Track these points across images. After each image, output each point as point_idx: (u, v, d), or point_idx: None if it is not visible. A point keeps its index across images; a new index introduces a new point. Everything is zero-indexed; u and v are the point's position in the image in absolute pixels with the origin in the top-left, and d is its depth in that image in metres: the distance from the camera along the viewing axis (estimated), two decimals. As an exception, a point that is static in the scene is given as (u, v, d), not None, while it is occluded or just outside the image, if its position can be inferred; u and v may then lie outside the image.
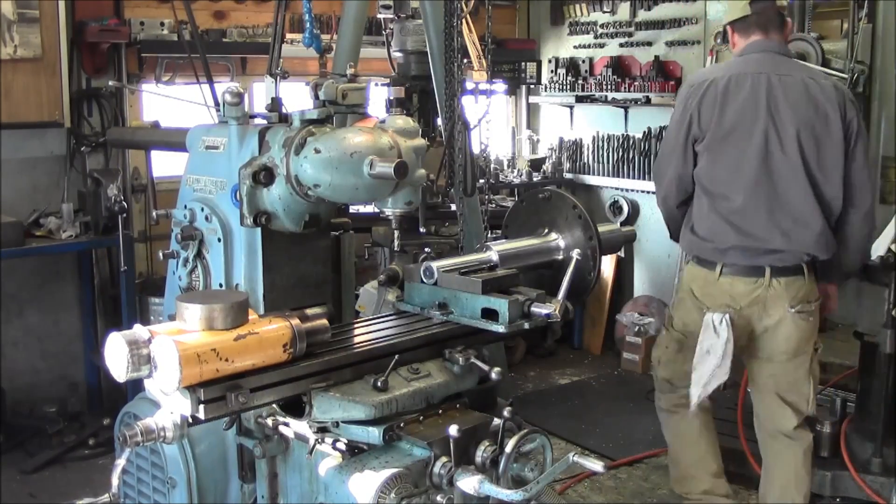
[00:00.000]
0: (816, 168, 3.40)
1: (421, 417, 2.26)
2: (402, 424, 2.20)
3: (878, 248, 4.01)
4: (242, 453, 2.55)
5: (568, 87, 7.15)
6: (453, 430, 2.08)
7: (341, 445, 2.23)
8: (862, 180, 3.46)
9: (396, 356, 2.29)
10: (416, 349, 2.38)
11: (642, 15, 6.82)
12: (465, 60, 5.07)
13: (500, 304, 2.35)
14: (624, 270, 6.95)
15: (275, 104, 2.54)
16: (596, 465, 2.09)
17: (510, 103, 7.80)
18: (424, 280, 2.53)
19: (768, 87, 3.39)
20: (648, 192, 6.74)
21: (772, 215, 3.40)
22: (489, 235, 4.56)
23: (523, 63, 7.21)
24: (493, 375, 2.36)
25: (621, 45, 6.97)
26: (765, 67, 3.44)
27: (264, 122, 2.52)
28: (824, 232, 3.43)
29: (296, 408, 2.24)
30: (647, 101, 6.62)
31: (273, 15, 4.60)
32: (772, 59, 3.48)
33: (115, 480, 2.42)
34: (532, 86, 7.46)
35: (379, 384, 2.21)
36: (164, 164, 5.40)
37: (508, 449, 2.09)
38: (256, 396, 2.07)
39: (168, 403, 2.09)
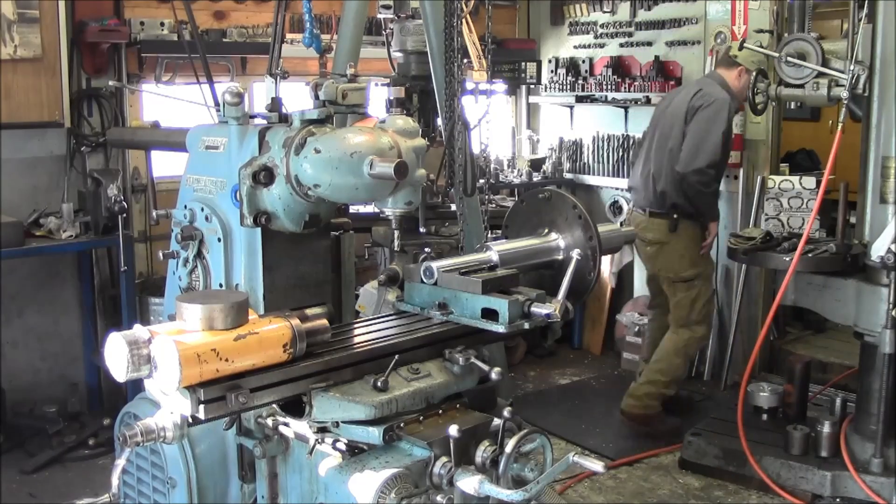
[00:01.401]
0: (670, 143, 5.13)
1: (421, 417, 2.26)
2: (402, 424, 2.20)
3: (879, 249, 4.01)
4: (242, 453, 2.55)
5: (568, 87, 7.15)
6: (453, 430, 2.08)
7: (341, 445, 2.23)
8: (688, 147, 5.03)
9: (396, 356, 2.29)
10: (416, 349, 2.37)
11: (642, 15, 6.82)
12: (465, 60, 5.06)
13: (500, 304, 2.35)
14: (624, 270, 6.94)
15: (275, 104, 2.54)
16: (596, 465, 2.09)
17: (510, 103, 7.80)
18: (424, 280, 2.53)
19: (670, 100, 5.37)
20: (648, 192, 6.74)
21: (641, 176, 5.33)
22: (489, 235, 4.55)
23: (523, 63, 7.21)
24: (493, 375, 2.36)
25: (621, 45, 6.97)
26: (686, 88, 5.34)
27: (264, 122, 2.51)
28: (660, 189, 5.15)
29: (296, 408, 2.24)
30: (648, 101, 6.62)
31: (273, 15, 4.59)
32: (698, 82, 5.37)
33: (115, 480, 2.42)
34: (532, 86, 7.46)
35: (379, 384, 2.21)
36: (164, 164, 5.41)
37: (508, 449, 2.09)
38: (256, 396, 2.07)
39: (168, 403, 2.09)
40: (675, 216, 5.16)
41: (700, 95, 5.14)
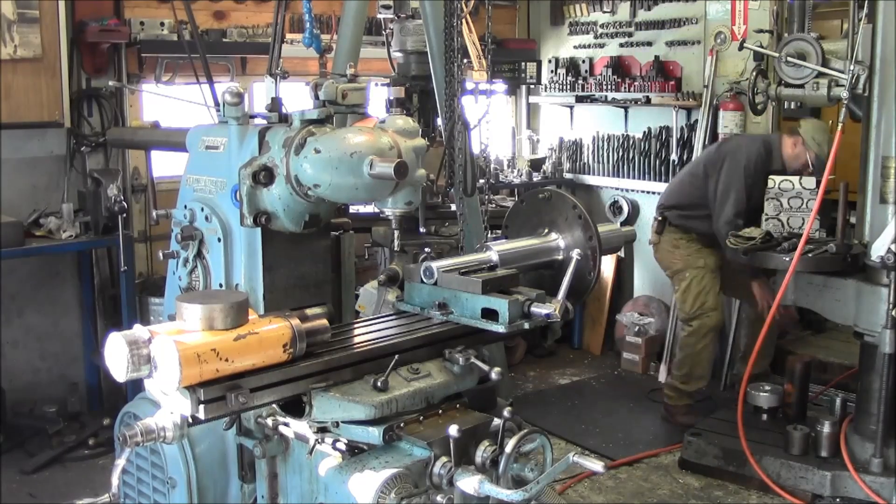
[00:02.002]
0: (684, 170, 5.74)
1: (421, 417, 2.26)
2: (402, 424, 2.20)
3: (879, 248, 4.01)
4: (242, 453, 2.55)
5: (568, 87, 7.14)
6: (453, 430, 2.08)
7: (341, 445, 2.23)
8: (717, 200, 5.13)
9: (396, 356, 2.29)
10: (416, 349, 2.37)
11: (642, 15, 6.82)
12: (465, 60, 5.07)
13: (500, 304, 2.35)
14: (624, 270, 6.95)
15: (275, 104, 2.54)
16: (596, 465, 2.09)
17: (510, 103, 7.80)
18: (424, 280, 2.53)
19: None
20: (648, 193, 6.74)
21: None
22: (489, 235, 4.55)
23: (523, 63, 7.20)
24: (493, 375, 2.36)
25: (621, 45, 6.97)
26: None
27: (264, 122, 2.51)
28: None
29: (296, 408, 2.24)
30: (647, 101, 6.62)
31: (273, 15, 4.59)
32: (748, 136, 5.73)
33: (115, 480, 2.42)
34: (532, 86, 7.46)
35: (379, 384, 2.21)
36: (164, 164, 5.41)
37: (508, 449, 2.09)
38: (256, 396, 2.07)
39: (168, 403, 2.09)
40: (659, 219, 5.47)
41: (728, 142, 5.45)
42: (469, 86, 4.82)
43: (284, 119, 2.48)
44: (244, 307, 2.12)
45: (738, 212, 5.05)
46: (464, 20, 4.60)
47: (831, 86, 4.36)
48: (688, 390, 5.39)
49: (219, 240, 2.51)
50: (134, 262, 5.31)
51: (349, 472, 2.13)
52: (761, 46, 5.10)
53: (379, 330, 2.48)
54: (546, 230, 2.81)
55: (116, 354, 1.99)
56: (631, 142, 6.86)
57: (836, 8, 6.75)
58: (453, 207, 5.02)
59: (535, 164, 7.34)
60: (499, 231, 3.13)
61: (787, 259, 4.26)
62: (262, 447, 2.41)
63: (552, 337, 2.64)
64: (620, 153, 6.93)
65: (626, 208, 6.85)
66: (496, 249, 2.67)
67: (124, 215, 4.99)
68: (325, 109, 2.42)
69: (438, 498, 2.11)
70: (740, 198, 5.07)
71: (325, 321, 2.25)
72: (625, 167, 6.90)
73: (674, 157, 6.50)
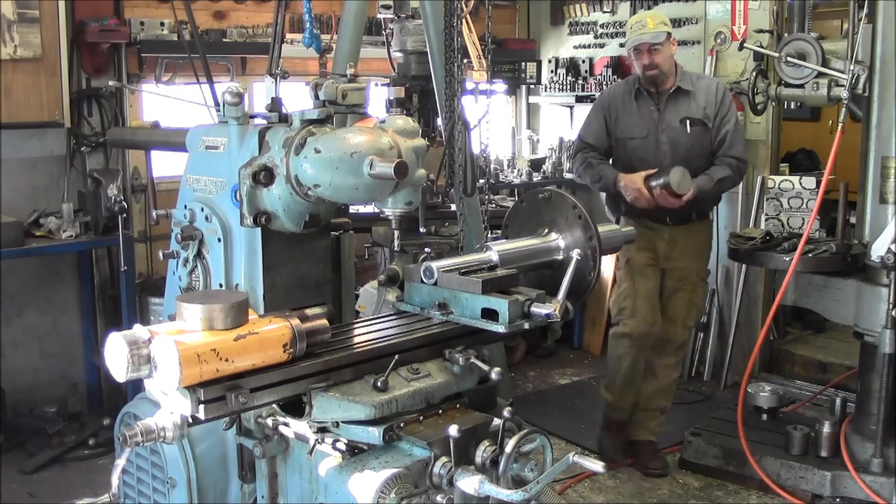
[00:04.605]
0: None
1: (421, 417, 2.26)
2: (402, 424, 2.20)
3: (879, 248, 4.01)
4: (242, 453, 2.55)
5: (568, 87, 7.15)
6: (453, 430, 2.08)
7: (341, 445, 2.23)
8: None
9: (396, 356, 2.29)
10: (416, 349, 2.37)
11: (642, 15, 6.82)
12: (465, 60, 5.07)
13: (500, 304, 2.35)
14: (624, 270, 6.93)
15: (275, 104, 2.54)
16: (596, 465, 2.09)
17: (510, 103, 7.80)
18: (424, 280, 2.53)
19: None
20: (648, 192, 6.73)
21: None
22: (489, 235, 4.55)
23: (523, 63, 7.21)
24: (493, 375, 2.36)
25: (621, 45, 6.95)
26: None
27: (264, 122, 2.51)
28: None
29: (296, 408, 2.24)
30: (647, 101, 6.62)
31: (273, 15, 4.59)
32: None
33: (115, 480, 2.43)
34: (532, 86, 7.46)
35: (379, 384, 2.21)
36: (164, 164, 5.41)
37: (508, 449, 2.09)
38: (256, 396, 2.08)
39: (168, 403, 2.09)
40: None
41: None
42: (469, 86, 4.82)
43: (284, 119, 2.48)
44: (244, 307, 2.12)
45: (584, 135, 4.84)
46: (464, 20, 4.60)
47: (831, 86, 4.36)
48: (606, 398, 4.89)
49: (219, 240, 2.51)
50: (134, 262, 5.31)
51: (349, 472, 2.13)
52: (761, 46, 5.10)
53: (379, 330, 2.48)
54: (546, 230, 2.81)
55: (116, 354, 1.99)
56: (631, 142, 6.86)
57: (836, 8, 6.76)
58: (453, 207, 5.02)
59: (535, 164, 7.33)
60: (499, 231, 3.13)
61: (787, 259, 4.26)
62: (262, 447, 2.41)
63: (552, 337, 2.64)
64: (620, 153, 6.93)
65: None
66: (496, 249, 2.67)
67: (124, 215, 4.99)
68: (325, 109, 2.42)
69: (438, 498, 2.11)
70: (579, 134, 4.88)
71: (325, 321, 2.25)
72: (625, 167, 6.89)
73: (674, 157, 6.49)
